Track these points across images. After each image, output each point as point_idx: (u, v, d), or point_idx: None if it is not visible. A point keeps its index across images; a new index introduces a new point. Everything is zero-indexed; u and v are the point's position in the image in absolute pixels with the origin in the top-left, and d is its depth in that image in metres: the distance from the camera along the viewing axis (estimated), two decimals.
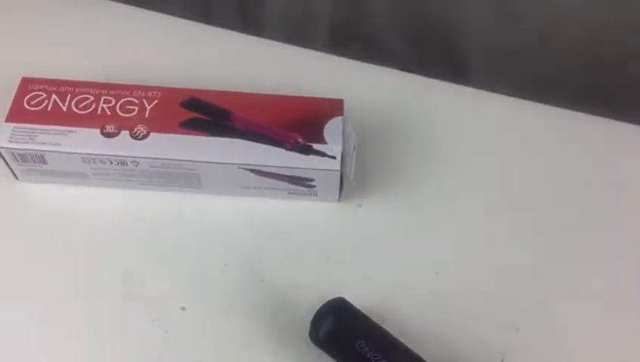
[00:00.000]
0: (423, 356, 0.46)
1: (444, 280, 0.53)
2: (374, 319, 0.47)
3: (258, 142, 0.53)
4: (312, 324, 0.45)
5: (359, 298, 0.48)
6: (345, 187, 0.55)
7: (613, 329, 0.51)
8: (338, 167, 0.52)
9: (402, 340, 0.46)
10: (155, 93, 0.55)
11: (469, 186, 0.58)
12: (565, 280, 0.53)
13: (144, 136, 0.53)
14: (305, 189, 0.55)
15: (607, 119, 0.61)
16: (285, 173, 0.53)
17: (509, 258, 0.54)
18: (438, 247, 0.55)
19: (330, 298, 0.47)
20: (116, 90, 0.55)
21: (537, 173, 0.59)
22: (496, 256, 0.54)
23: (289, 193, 0.55)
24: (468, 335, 0.50)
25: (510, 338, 0.50)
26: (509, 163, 0.60)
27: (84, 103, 0.54)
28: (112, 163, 0.53)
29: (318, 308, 0.47)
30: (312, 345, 0.47)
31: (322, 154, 0.53)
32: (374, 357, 0.44)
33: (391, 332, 0.46)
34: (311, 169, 0.52)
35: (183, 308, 0.51)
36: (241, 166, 0.52)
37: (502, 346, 0.50)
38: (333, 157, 0.52)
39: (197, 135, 0.53)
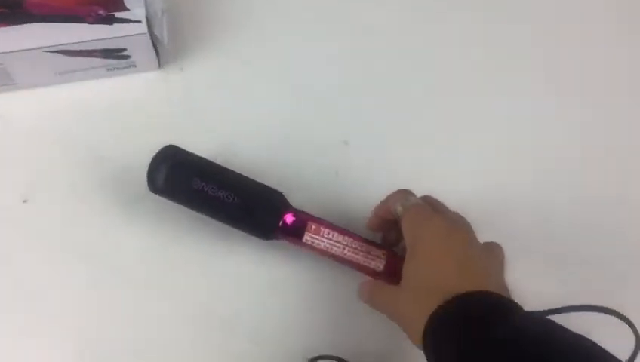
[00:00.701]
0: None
1: (275, 120, 0.56)
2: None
3: (58, 22, 0.52)
4: (148, 175, 0.47)
5: (197, 150, 0.49)
6: (161, 53, 0.56)
7: (420, 128, 0.57)
8: (145, 30, 0.52)
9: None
10: None
11: (286, 29, 0.60)
12: (385, 97, 0.58)
13: None
14: (122, 62, 0.55)
15: None
16: (95, 48, 0.52)
17: (330, 83, 0.58)
18: (263, 92, 0.57)
19: None
20: None
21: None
22: (318, 85, 0.58)
23: (108, 70, 0.55)
24: (302, 158, 0.54)
25: (341, 152, 0.55)
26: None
27: None
28: None
29: None
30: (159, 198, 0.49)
31: (127, 20, 0.52)
32: (211, 189, 0.46)
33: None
34: (118, 37, 0.52)
35: (25, 201, 0.51)
36: (46, 49, 0.51)
37: (334, 160, 0.54)
38: (139, 22, 0.52)
39: None
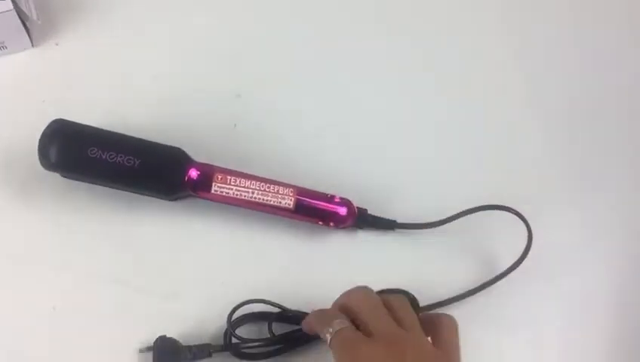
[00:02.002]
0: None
1: (162, 81, 0.55)
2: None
3: None
4: (40, 152, 0.45)
5: (90, 121, 0.48)
6: (32, 29, 0.54)
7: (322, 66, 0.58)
8: (10, 7, 0.50)
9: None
10: None
11: None
12: (271, 46, 0.59)
13: None
14: None
15: None
16: None
17: (212, 42, 0.58)
18: (144, 57, 0.56)
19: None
20: None
21: None
22: (199, 44, 0.58)
23: None
24: (200, 114, 0.54)
25: (236, 105, 0.55)
26: None
27: None
28: None
29: None
30: (59, 179, 0.48)
31: None
32: (109, 156, 0.46)
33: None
34: None
35: None
36: None
37: (231, 113, 0.55)
38: None
39: None
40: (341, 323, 0.40)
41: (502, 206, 0.50)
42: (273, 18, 0.60)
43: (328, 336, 0.40)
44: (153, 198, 0.49)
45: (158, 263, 0.49)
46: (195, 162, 0.48)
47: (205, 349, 0.45)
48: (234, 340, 0.45)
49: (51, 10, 0.56)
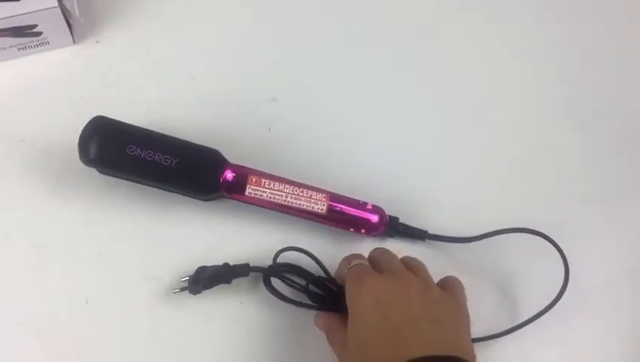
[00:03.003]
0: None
1: (200, 82, 0.56)
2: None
3: None
4: (80, 147, 0.46)
5: (125, 120, 0.48)
6: (74, 26, 0.55)
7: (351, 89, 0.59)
8: (55, 4, 0.51)
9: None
10: None
11: None
12: (307, 51, 0.59)
13: None
14: (34, 39, 0.53)
15: None
16: (3, 27, 0.51)
17: (252, 44, 0.58)
18: (184, 57, 0.57)
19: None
20: None
21: None
22: (239, 46, 0.58)
23: (19, 49, 0.53)
24: (236, 117, 0.54)
25: (271, 108, 0.56)
26: None
27: None
28: None
29: None
30: (96, 174, 0.49)
31: None
32: (147, 154, 0.46)
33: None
34: (28, 13, 0.50)
35: None
36: None
37: (267, 117, 0.55)
38: None
39: None
40: (359, 261, 0.45)
41: (539, 233, 0.49)
42: (312, 23, 0.60)
43: (346, 271, 0.44)
44: (187, 197, 0.50)
45: (190, 261, 0.49)
46: (231, 164, 0.49)
47: (244, 267, 0.47)
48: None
49: (94, 9, 0.57)
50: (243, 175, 0.48)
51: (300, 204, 0.48)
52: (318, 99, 0.57)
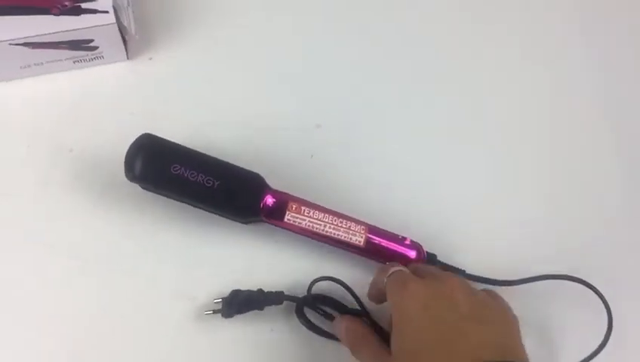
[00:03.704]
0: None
1: (248, 105, 0.56)
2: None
3: (24, 14, 0.51)
4: (126, 164, 0.47)
5: (171, 138, 0.49)
6: (129, 42, 0.56)
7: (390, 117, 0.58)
8: (113, 20, 0.52)
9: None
10: None
11: (257, 14, 0.61)
12: (357, 81, 0.59)
13: None
14: (89, 53, 0.54)
15: None
16: (61, 40, 0.52)
17: (301, 70, 0.59)
18: (234, 79, 0.57)
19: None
20: None
21: None
22: (288, 71, 0.58)
23: (74, 62, 0.55)
24: (279, 142, 0.54)
25: (315, 135, 0.56)
26: None
27: None
28: None
29: None
30: (139, 190, 0.49)
31: (93, 11, 0.52)
32: (191, 174, 0.47)
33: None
34: (85, 28, 0.52)
35: None
36: (11, 42, 0.50)
37: (310, 143, 0.55)
38: (106, 12, 0.52)
39: None
40: (396, 268, 0.44)
41: (582, 280, 0.48)
42: (360, 53, 0.60)
43: (385, 280, 0.43)
44: (226, 219, 0.50)
45: (224, 283, 0.49)
46: (272, 189, 0.49)
47: (278, 295, 0.47)
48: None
49: (150, 26, 0.58)
50: (283, 201, 0.48)
51: (338, 235, 0.48)
52: (363, 129, 0.56)
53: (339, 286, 0.48)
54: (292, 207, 0.48)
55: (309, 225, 0.48)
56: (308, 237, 0.49)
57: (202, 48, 0.58)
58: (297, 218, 0.48)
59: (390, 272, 0.43)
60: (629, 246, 0.53)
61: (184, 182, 0.46)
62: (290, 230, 0.49)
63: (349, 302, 0.48)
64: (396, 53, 0.61)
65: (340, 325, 0.45)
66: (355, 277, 0.49)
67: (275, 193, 0.48)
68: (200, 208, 0.49)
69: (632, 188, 0.56)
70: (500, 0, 0.64)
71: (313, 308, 0.47)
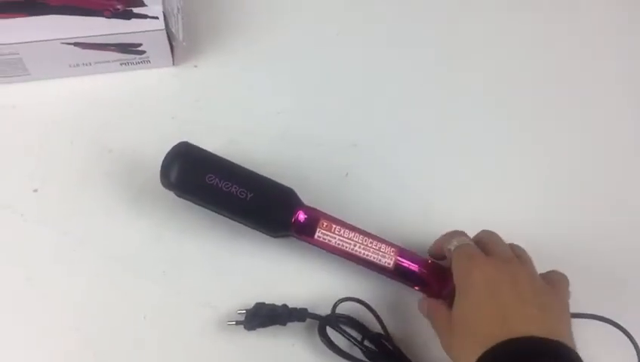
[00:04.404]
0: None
1: (286, 118, 0.57)
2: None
3: (77, 15, 0.52)
4: (162, 170, 0.47)
5: (209, 146, 0.49)
6: (176, 49, 0.57)
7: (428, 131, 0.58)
8: (162, 26, 0.53)
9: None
10: None
11: (300, 30, 0.61)
12: (390, 99, 0.59)
13: None
14: (136, 57, 0.55)
15: None
16: (111, 42, 0.53)
17: (341, 87, 0.59)
18: (274, 91, 0.58)
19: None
20: None
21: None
22: (329, 87, 0.59)
23: (121, 64, 0.56)
24: (315, 158, 0.55)
25: (351, 154, 0.55)
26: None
27: None
28: None
29: None
30: (172, 195, 0.50)
31: (144, 16, 0.53)
32: (225, 185, 0.47)
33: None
34: (135, 32, 0.53)
35: (36, 190, 0.51)
36: (63, 41, 0.52)
37: (345, 161, 0.55)
38: (156, 18, 0.53)
39: (13, 17, 0.51)
40: (465, 240, 0.46)
41: (611, 321, 0.47)
42: (403, 74, 0.60)
43: (452, 248, 0.45)
44: (255, 231, 0.50)
45: (248, 295, 0.49)
46: (304, 205, 0.49)
47: (302, 312, 0.47)
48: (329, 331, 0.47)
49: (197, 34, 0.59)
50: (314, 218, 0.48)
51: (367, 255, 0.48)
52: (399, 151, 0.56)
53: (363, 307, 0.48)
54: (323, 225, 0.48)
55: (338, 244, 0.48)
56: (337, 255, 0.49)
57: (245, 59, 0.59)
58: (327, 236, 0.48)
59: (459, 243, 0.45)
60: None
61: (218, 193, 0.47)
62: (319, 247, 0.48)
63: (372, 323, 0.47)
64: (437, 73, 0.60)
65: (422, 305, 0.47)
66: (382, 298, 0.49)
67: (307, 209, 0.48)
68: (232, 219, 0.50)
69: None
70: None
71: (336, 328, 0.46)
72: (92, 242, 0.50)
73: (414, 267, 0.48)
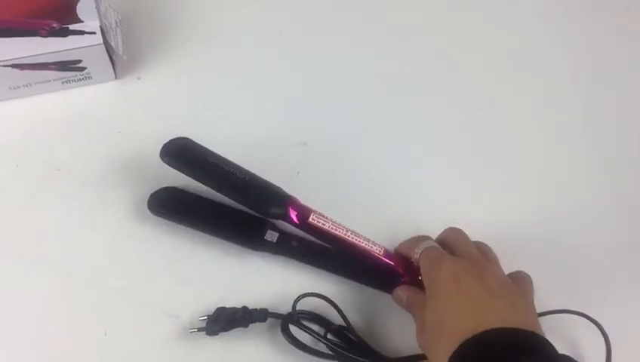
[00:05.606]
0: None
1: (235, 123, 0.57)
2: None
3: (11, 36, 0.52)
4: (165, 145, 0.49)
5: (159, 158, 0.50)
6: (117, 62, 0.56)
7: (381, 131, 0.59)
8: (100, 41, 0.53)
9: None
10: None
11: (242, 33, 0.62)
12: (339, 96, 0.60)
13: None
14: (77, 74, 0.55)
15: None
16: (50, 60, 0.53)
17: (287, 87, 0.59)
18: (221, 96, 0.58)
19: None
20: None
21: None
22: (274, 88, 0.59)
23: (63, 82, 0.55)
24: (267, 157, 0.54)
25: (301, 153, 0.56)
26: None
27: None
28: None
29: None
30: (125, 209, 0.49)
31: (81, 32, 0.53)
32: (225, 165, 0.49)
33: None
34: (73, 49, 0.53)
35: None
36: (0, 63, 0.51)
37: (295, 160, 0.55)
38: (93, 33, 0.53)
39: None
40: (430, 243, 0.47)
41: (582, 314, 0.48)
42: (346, 69, 0.61)
43: (417, 253, 0.46)
44: (213, 237, 0.50)
45: (209, 301, 0.49)
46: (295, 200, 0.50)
47: (262, 313, 0.48)
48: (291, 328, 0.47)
49: (138, 47, 0.59)
50: (307, 208, 0.49)
51: (359, 241, 0.48)
52: (349, 146, 0.57)
53: (324, 302, 0.48)
54: (316, 211, 0.49)
55: (332, 228, 0.48)
56: (327, 242, 0.49)
57: (189, 67, 0.59)
58: (322, 219, 0.48)
59: (424, 247, 0.46)
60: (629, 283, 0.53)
61: (218, 170, 0.49)
62: (311, 232, 0.49)
63: (335, 317, 0.48)
64: (385, 66, 0.61)
65: (398, 294, 0.48)
66: (339, 293, 0.50)
67: (299, 203, 0.50)
68: (229, 195, 0.50)
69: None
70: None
71: (298, 324, 0.47)
72: (47, 261, 0.50)
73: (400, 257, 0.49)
